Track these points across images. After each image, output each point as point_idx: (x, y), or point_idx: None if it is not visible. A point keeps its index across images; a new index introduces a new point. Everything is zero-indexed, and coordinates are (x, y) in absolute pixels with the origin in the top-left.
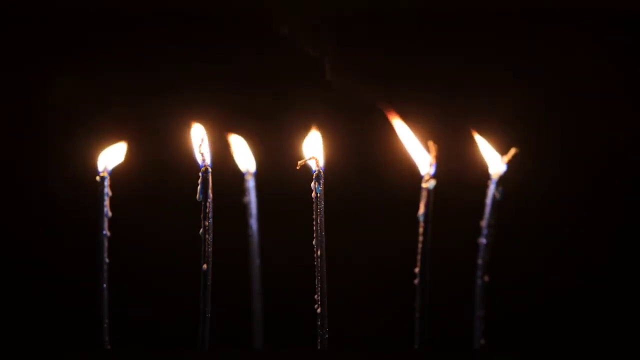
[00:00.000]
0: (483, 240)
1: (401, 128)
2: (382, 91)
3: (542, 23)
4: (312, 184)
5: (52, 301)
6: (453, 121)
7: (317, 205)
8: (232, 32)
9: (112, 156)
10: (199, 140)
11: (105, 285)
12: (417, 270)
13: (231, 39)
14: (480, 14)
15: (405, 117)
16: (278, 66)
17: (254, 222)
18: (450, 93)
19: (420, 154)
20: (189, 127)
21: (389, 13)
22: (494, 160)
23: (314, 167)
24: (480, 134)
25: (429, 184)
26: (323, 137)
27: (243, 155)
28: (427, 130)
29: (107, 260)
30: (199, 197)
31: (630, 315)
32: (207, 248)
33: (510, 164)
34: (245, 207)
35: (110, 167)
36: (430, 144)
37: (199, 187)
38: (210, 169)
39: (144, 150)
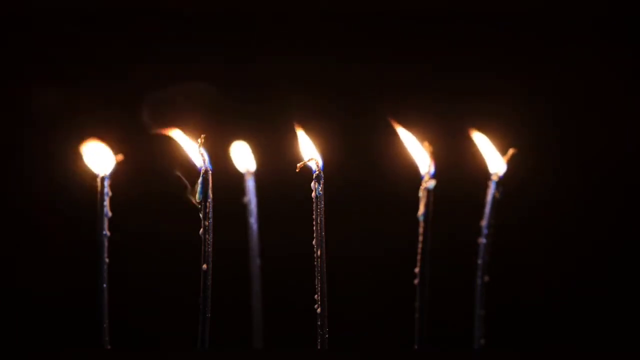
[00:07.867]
0: (483, 240)
1: (404, 134)
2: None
3: (541, 24)
4: (312, 184)
5: (52, 301)
6: (453, 121)
7: (317, 205)
8: (228, 32)
9: (110, 156)
10: (198, 140)
11: (105, 285)
12: (417, 270)
13: (228, 39)
14: (480, 16)
15: (405, 119)
16: (277, 66)
17: (254, 222)
18: (450, 93)
19: (420, 155)
20: (188, 127)
21: (387, 16)
22: (494, 160)
23: (313, 168)
24: (480, 134)
25: (428, 184)
26: (323, 136)
27: (243, 155)
28: (427, 130)
29: (107, 260)
30: (199, 198)
31: (630, 314)
32: (207, 248)
33: (509, 163)
34: (245, 207)
35: (110, 167)
36: (426, 144)
37: (199, 188)
38: (210, 170)
39: (143, 150)
